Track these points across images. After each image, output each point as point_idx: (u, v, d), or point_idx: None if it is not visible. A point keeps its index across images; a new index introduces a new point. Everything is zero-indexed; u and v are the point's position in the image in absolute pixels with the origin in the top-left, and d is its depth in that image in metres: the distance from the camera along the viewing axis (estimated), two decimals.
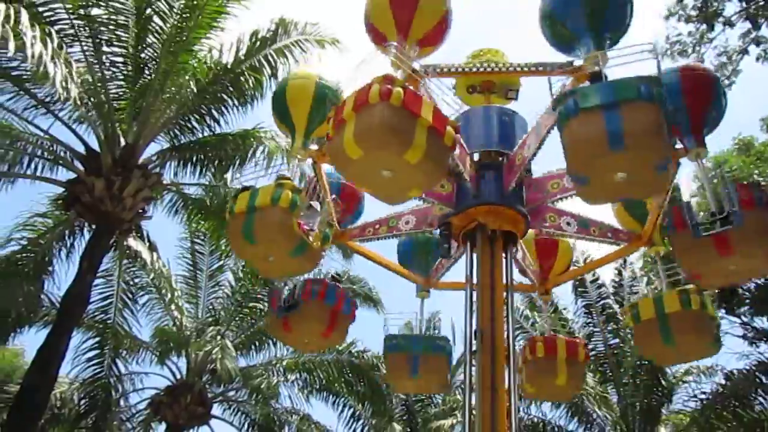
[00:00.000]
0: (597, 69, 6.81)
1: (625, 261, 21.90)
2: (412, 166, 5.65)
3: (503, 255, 7.70)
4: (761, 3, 13.30)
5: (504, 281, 7.58)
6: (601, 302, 21.05)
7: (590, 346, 21.63)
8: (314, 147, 8.06)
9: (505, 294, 7.46)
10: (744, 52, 13.93)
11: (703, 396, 18.95)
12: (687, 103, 7.16)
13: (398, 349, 9.24)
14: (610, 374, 20.42)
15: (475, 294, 7.59)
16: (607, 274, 22.09)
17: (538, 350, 8.95)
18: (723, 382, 18.89)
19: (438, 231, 8.39)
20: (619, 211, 8.92)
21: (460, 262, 9.09)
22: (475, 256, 7.79)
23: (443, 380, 9.35)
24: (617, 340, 20.62)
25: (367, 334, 40.69)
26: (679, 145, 7.38)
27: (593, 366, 21.26)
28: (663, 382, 19.96)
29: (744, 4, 13.51)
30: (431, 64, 7.75)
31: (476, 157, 8.13)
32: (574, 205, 8.89)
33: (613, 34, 7.14)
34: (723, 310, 18.77)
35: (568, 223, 8.82)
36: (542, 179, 8.56)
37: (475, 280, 7.70)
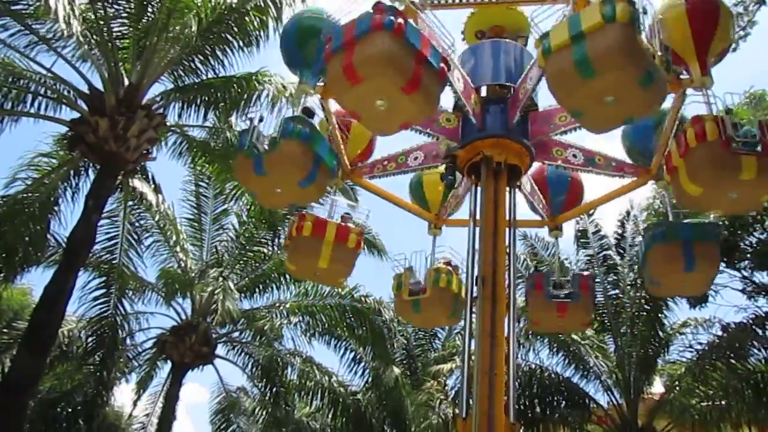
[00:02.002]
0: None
1: (628, 213, 21.88)
2: (325, 269, 8.77)
3: (507, 189, 7.70)
4: None
5: (507, 217, 7.60)
6: (603, 253, 21.13)
7: None
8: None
9: (508, 231, 7.48)
10: (761, 2, 13.46)
11: (699, 347, 19.20)
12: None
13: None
14: (609, 324, 20.62)
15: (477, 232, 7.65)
16: (609, 226, 22.11)
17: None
18: (720, 334, 19.11)
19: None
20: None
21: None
22: (479, 190, 7.83)
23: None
24: (617, 291, 20.75)
25: (368, 280, 41.32)
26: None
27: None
28: (660, 333, 20.18)
29: None
30: None
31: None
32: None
33: None
34: (724, 264, 18.85)
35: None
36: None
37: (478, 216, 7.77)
